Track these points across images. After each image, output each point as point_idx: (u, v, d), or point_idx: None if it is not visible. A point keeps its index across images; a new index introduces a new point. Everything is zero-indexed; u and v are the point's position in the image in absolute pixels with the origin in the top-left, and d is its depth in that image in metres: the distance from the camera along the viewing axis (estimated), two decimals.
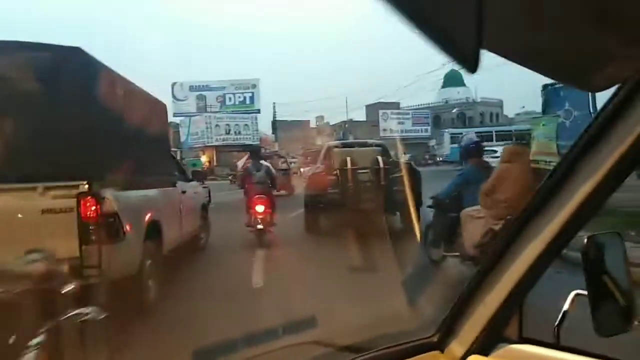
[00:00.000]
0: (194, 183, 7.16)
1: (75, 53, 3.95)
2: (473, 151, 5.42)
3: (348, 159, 7.89)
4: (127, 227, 3.99)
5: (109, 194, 3.86)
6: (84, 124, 3.80)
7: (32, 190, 3.65)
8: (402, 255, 5.76)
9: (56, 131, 3.71)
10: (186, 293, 5.08)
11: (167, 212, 5.26)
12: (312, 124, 53.23)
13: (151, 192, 4.93)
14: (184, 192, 6.17)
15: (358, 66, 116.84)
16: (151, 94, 5.45)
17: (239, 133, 41.38)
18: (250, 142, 38.43)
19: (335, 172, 7.97)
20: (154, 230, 4.67)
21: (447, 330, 1.24)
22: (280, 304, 4.21)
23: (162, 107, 6.06)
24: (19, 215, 3.66)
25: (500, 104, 56.71)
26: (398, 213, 7.94)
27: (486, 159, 5.68)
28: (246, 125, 42.06)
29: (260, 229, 7.31)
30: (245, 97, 44.65)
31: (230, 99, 44.50)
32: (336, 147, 9.16)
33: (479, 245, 4.57)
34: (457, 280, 5.00)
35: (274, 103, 48.25)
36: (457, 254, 5.10)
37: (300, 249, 7.43)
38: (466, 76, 54.52)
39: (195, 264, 6.40)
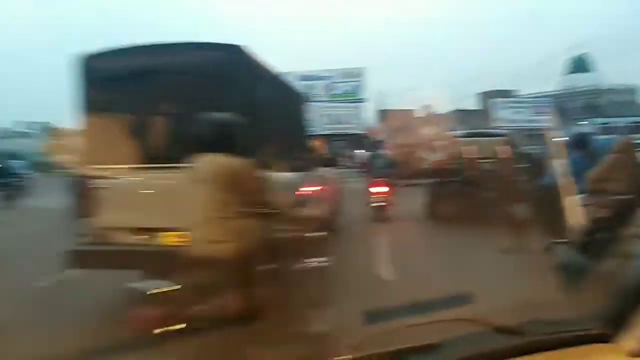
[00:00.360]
0: (326, 168, 7.69)
1: (236, 50, 4.50)
2: (579, 143, 5.96)
3: (472, 148, 7.91)
4: None
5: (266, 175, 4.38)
6: (246, 113, 4.34)
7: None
8: (529, 242, 6.02)
9: (221, 121, 4.28)
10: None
11: (310, 193, 5.76)
12: (420, 113, 52.25)
13: (298, 175, 5.44)
14: (322, 176, 6.69)
15: (469, 52, 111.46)
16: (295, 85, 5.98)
17: (345, 122, 41.97)
18: (356, 132, 38.85)
19: (460, 160, 8.03)
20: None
21: (616, 322, 1.19)
22: (424, 277, 4.66)
23: (303, 98, 6.58)
24: (190, 189, 4.31)
25: (634, 91, 50.52)
26: (522, 203, 7.84)
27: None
28: (352, 114, 42.53)
29: (383, 208, 7.78)
30: (351, 86, 45.15)
31: (336, 88, 45.27)
32: (461, 136, 9.19)
33: (587, 233, 4.72)
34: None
35: (379, 91, 48.21)
36: (565, 240, 5.20)
37: (427, 229, 7.78)
38: (595, 62, 49.30)
39: (338, 238, 7.06)
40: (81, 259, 4.33)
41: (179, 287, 2.32)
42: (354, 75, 45.93)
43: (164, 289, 2.32)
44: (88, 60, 4.46)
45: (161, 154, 4.21)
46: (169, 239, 4.26)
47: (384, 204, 7.98)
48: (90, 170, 4.35)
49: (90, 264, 4.41)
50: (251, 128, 4.30)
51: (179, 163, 4.25)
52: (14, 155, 24.12)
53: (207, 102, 4.29)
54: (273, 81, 5.03)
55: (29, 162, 24.27)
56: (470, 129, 14.09)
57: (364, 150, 18.31)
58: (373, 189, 8.11)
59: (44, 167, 23.57)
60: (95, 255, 4.32)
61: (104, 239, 4.31)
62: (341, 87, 45.04)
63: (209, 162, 2.74)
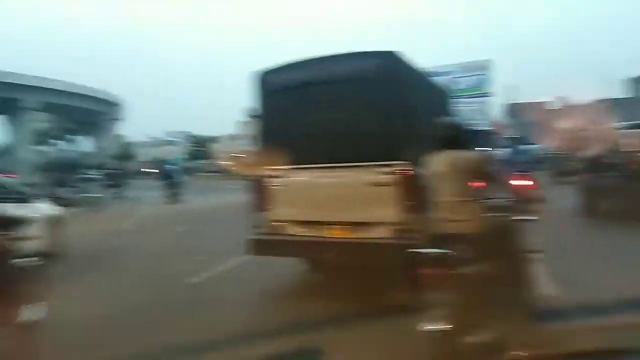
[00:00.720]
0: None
1: (391, 56, 4.86)
2: None
3: (633, 140, 7.26)
4: None
5: (419, 172, 4.68)
6: (401, 115, 4.69)
7: (364, 168, 4.74)
8: None
9: (381, 122, 4.70)
10: None
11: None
12: (552, 105, 47.97)
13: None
14: None
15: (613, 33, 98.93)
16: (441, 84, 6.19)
17: (470, 117, 40.37)
18: (482, 128, 37.12)
19: (618, 153, 7.44)
20: None
21: None
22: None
23: (448, 93, 6.76)
24: (355, 186, 4.79)
25: None
26: None
27: None
28: (477, 109, 40.72)
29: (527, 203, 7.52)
30: (475, 80, 43.20)
31: (459, 82, 43.70)
32: (619, 127, 8.47)
33: None
34: None
35: (506, 85, 45.28)
36: None
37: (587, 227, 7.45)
38: None
39: None
40: (258, 246, 5.06)
41: (450, 252, 2.92)
42: (479, 68, 43.77)
43: (441, 253, 2.93)
44: (265, 75, 5.21)
45: (328, 155, 4.75)
46: (333, 232, 4.77)
47: (528, 198, 7.68)
48: (264, 171, 5.07)
49: (266, 252, 5.13)
50: (401, 127, 4.66)
51: (344, 163, 4.79)
52: (164, 161, 27.34)
53: (369, 105, 4.76)
54: (423, 80, 5.32)
55: (180, 167, 27.35)
56: (626, 119, 12.77)
57: (501, 146, 17.47)
58: (515, 182, 7.85)
59: (191, 170, 26.30)
60: (270, 244, 5.01)
61: (277, 230, 4.98)
62: (465, 82, 43.32)
63: (448, 156, 3.31)
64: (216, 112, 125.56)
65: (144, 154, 61.74)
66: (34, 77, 48.68)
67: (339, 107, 4.81)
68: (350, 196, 4.70)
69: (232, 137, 62.39)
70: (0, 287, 2.68)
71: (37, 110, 51.35)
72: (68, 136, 59.55)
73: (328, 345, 2.62)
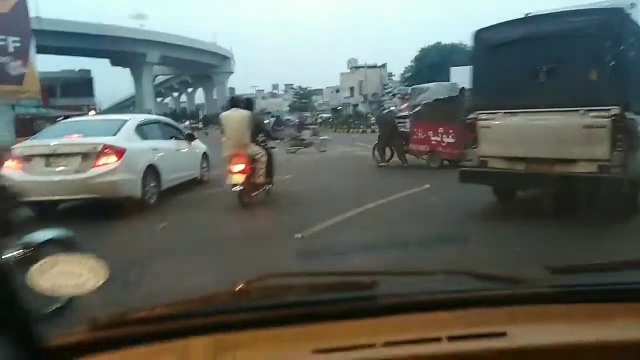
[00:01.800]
0: None
1: (618, 12, 5.35)
2: None
3: None
4: None
5: (630, 116, 5.28)
6: (618, 66, 5.24)
7: (578, 112, 5.40)
8: None
9: (599, 72, 5.31)
10: None
11: None
12: None
13: None
14: None
15: None
16: None
17: None
18: None
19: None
20: None
21: None
22: None
23: None
24: (568, 129, 5.50)
25: None
26: None
27: None
28: None
29: None
30: None
31: None
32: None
33: None
34: None
35: None
36: None
37: None
38: None
39: None
40: (468, 176, 6.06)
41: None
42: None
43: None
44: (483, 31, 5.98)
45: (540, 101, 5.49)
46: (539, 167, 5.57)
47: None
48: (477, 114, 5.94)
49: (474, 180, 6.14)
50: (627, 74, 5.26)
51: (556, 108, 5.50)
52: (268, 113, 28.86)
53: (588, 56, 5.36)
54: None
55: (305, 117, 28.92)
56: None
57: None
58: None
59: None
60: (478, 175, 5.99)
61: (484, 164, 5.91)
62: None
63: None
64: (320, 66, 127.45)
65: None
66: (154, 32, 53.08)
67: (556, 59, 5.44)
68: (561, 135, 5.39)
69: (334, 90, 63.73)
70: None
71: (158, 64, 56.31)
72: (185, 88, 64.54)
73: None
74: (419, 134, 11.55)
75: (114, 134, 6.47)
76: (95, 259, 1.05)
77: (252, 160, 6.65)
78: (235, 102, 7.27)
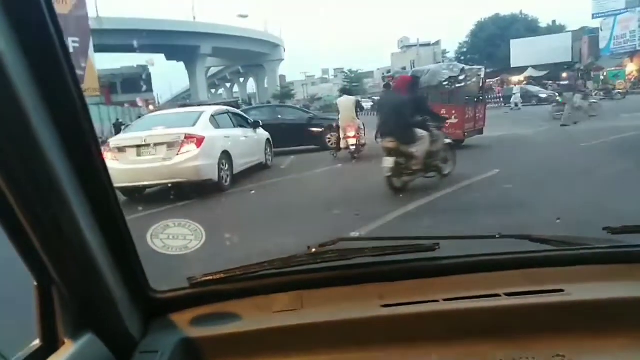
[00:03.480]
0: None
1: None
2: None
3: None
4: None
5: None
6: None
7: None
8: None
9: None
10: None
11: None
12: None
13: None
14: None
15: None
16: None
17: None
18: None
19: None
20: None
21: None
22: None
23: None
24: None
25: None
26: None
27: None
28: None
29: None
30: None
31: None
32: None
33: None
34: None
35: None
36: None
37: None
38: None
39: None
40: None
41: None
42: None
43: None
44: None
45: None
46: None
47: None
48: None
49: None
50: None
51: None
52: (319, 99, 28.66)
53: None
54: None
55: None
56: None
57: None
58: None
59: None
60: None
61: None
62: None
63: None
64: (370, 49, 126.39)
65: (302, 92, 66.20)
66: (206, 24, 54.68)
67: None
68: None
69: (385, 72, 63.09)
70: None
71: (210, 55, 58.09)
72: (237, 78, 66.19)
73: None
74: None
75: (193, 125, 7.33)
76: (195, 224, 1.20)
77: (358, 129, 10.29)
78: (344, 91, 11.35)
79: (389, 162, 6.16)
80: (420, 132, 6.39)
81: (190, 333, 1.02)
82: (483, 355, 0.93)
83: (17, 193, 0.70)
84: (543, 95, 25.63)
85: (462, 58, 48.61)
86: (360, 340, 0.99)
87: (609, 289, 0.99)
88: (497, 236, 1.18)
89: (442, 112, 11.17)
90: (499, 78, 38.61)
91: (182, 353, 0.98)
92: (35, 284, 0.87)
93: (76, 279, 0.86)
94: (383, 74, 31.69)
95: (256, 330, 1.02)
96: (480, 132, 12.08)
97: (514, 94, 24.69)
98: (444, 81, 11.23)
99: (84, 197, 0.81)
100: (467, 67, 12.06)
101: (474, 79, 11.74)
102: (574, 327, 0.94)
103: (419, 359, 0.95)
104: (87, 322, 0.89)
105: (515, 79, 39.17)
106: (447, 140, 7.04)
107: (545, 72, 39.76)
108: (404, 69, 57.75)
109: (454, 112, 11.21)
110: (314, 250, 1.18)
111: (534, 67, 41.76)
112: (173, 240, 1.17)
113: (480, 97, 12.25)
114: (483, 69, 12.66)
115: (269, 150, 10.03)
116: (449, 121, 11.28)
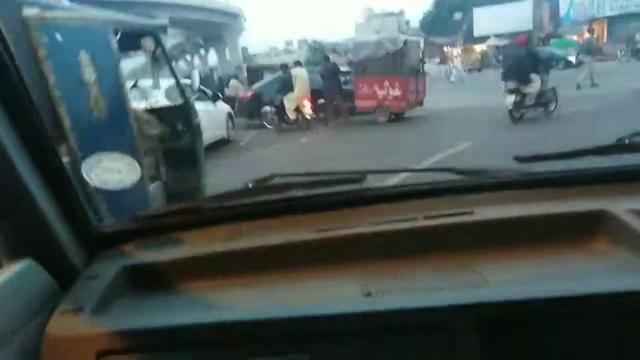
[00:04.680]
0: None
1: None
2: None
3: None
4: None
5: None
6: None
7: None
8: None
9: None
10: None
11: None
12: None
13: None
14: None
15: None
16: None
17: None
18: None
19: None
20: None
21: None
22: None
23: None
24: None
25: None
26: None
27: None
28: None
29: None
30: None
31: None
32: None
33: None
34: None
35: None
36: None
37: None
38: None
39: None
40: None
41: None
42: None
43: None
44: None
45: None
46: None
47: None
48: None
49: None
50: None
51: None
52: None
53: None
54: None
55: None
56: None
57: None
58: None
59: None
60: None
61: None
62: None
63: None
64: (334, 18, 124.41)
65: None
66: None
67: None
68: None
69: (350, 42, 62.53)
70: None
71: (167, 26, 56.19)
72: (197, 50, 64.32)
73: None
74: (365, 89, 11.74)
75: None
76: (129, 157, 1.29)
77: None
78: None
79: (510, 99, 8.85)
80: (534, 75, 8.99)
81: (133, 261, 1.10)
82: (404, 272, 1.04)
83: None
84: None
85: (427, 28, 48.67)
86: (297, 260, 1.09)
87: (513, 209, 1.13)
88: (424, 170, 1.36)
89: (385, 84, 11.48)
90: (461, 48, 38.97)
91: (124, 278, 1.05)
92: None
93: (12, 209, 0.92)
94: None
95: (197, 256, 1.10)
96: (421, 103, 12.25)
97: (455, 66, 24.65)
98: (388, 53, 11.28)
99: (18, 141, 0.89)
100: (409, 39, 12.15)
101: (414, 50, 11.84)
102: (483, 244, 1.08)
103: (347, 275, 1.06)
104: (27, 250, 0.95)
105: (478, 48, 39.61)
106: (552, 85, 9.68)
107: (507, 42, 40.34)
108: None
109: (397, 84, 11.28)
110: (250, 185, 1.27)
111: (497, 36, 42.34)
112: (109, 174, 1.20)
113: (421, 69, 12.37)
114: (422, 40, 12.86)
115: (230, 124, 9.94)
116: (392, 94, 11.70)
